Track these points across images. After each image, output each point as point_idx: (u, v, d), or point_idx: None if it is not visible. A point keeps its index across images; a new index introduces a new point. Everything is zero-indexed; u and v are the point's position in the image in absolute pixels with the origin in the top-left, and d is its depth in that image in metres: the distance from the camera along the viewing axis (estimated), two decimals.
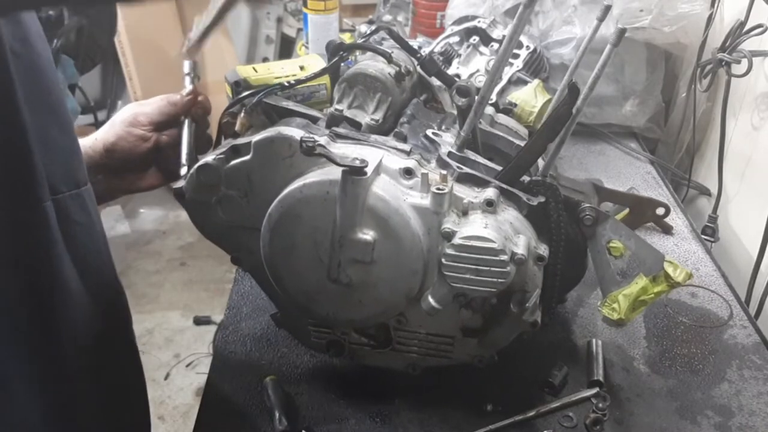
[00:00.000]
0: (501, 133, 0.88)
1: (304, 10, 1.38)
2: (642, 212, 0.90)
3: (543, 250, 0.74)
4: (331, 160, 0.70)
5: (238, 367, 0.96)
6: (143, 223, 3.14)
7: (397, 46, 0.94)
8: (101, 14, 2.29)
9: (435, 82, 0.94)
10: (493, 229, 0.69)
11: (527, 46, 1.24)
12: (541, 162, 0.83)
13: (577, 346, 0.99)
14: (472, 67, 1.18)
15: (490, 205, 0.72)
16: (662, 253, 0.76)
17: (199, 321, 2.52)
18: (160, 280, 2.77)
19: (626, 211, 0.90)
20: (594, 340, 0.96)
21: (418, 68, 0.94)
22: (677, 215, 1.31)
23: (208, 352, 2.30)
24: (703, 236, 1.31)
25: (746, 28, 1.30)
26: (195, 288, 2.74)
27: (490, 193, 0.73)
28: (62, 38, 2.02)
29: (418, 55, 0.94)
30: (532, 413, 0.86)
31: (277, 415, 0.84)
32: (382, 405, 0.89)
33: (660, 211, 0.93)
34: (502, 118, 0.95)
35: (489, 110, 0.95)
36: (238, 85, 0.87)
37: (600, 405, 0.87)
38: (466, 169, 0.76)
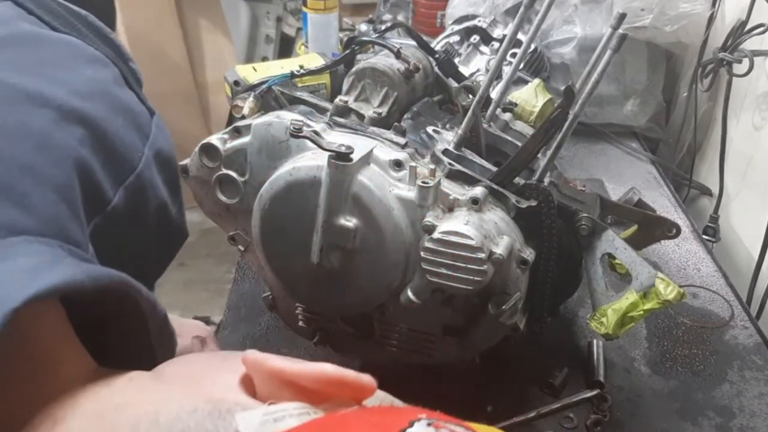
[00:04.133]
0: (510, 138, 0.88)
1: (304, 9, 1.38)
2: (651, 231, 0.88)
3: (528, 254, 0.73)
4: (317, 144, 0.71)
5: None
6: None
7: (415, 44, 0.94)
8: (101, 14, 2.29)
9: (453, 83, 0.94)
10: (474, 226, 0.69)
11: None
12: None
13: (577, 346, 0.99)
14: (472, 66, 1.18)
15: (475, 203, 0.72)
16: (655, 270, 0.75)
17: (199, 321, 2.52)
18: (159, 280, 2.76)
19: (634, 228, 0.89)
20: (595, 341, 0.96)
21: (436, 69, 0.94)
22: (678, 215, 1.31)
23: None
24: (704, 236, 1.31)
25: (747, 27, 1.30)
26: (194, 288, 2.73)
27: (477, 191, 0.73)
28: None
29: (437, 55, 0.94)
30: (532, 414, 0.86)
31: None
32: None
33: (671, 231, 0.90)
34: (518, 125, 0.95)
35: (506, 116, 0.95)
36: (237, 84, 0.88)
37: (601, 406, 0.87)
38: (458, 167, 0.76)
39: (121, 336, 0.44)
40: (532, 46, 1.24)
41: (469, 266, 0.69)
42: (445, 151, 0.78)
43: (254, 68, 0.92)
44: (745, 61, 1.28)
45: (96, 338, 0.43)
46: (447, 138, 0.81)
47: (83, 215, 0.42)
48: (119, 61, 0.50)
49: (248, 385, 0.39)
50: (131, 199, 0.46)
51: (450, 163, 0.76)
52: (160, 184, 0.50)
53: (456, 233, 0.69)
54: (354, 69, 0.88)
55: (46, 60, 0.44)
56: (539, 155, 0.77)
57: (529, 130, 0.95)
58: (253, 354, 0.38)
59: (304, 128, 0.72)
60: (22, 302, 0.33)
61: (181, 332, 0.85)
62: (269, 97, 0.85)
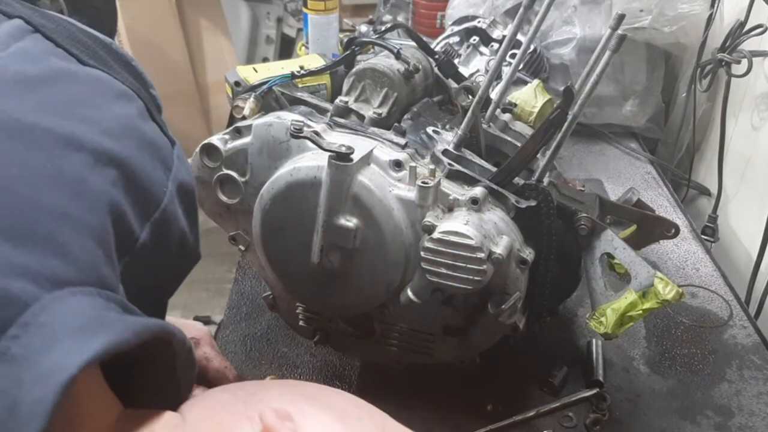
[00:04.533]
0: (510, 138, 0.89)
1: (304, 10, 1.38)
2: (650, 231, 0.88)
3: (527, 253, 0.74)
4: (318, 144, 0.71)
5: (238, 367, 0.95)
6: None
7: (415, 45, 0.94)
8: (101, 14, 2.29)
9: (452, 84, 0.94)
10: (473, 226, 0.69)
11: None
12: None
13: (577, 346, 0.99)
14: (472, 67, 1.18)
15: (474, 203, 0.72)
16: (654, 270, 0.75)
17: (199, 321, 2.52)
18: None
19: (633, 227, 0.89)
20: (594, 340, 0.96)
21: (436, 69, 0.95)
22: (677, 215, 1.31)
23: None
24: (703, 236, 1.31)
25: (746, 28, 1.30)
26: (195, 288, 2.73)
27: (476, 191, 0.73)
28: None
29: (436, 56, 0.94)
30: (532, 413, 0.86)
31: None
32: (382, 404, 0.88)
33: (670, 231, 0.90)
34: (518, 126, 0.95)
35: (505, 117, 0.95)
36: (238, 85, 0.88)
37: (600, 405, 0.87)
38: (457, 167, 0.76)
39: (151, 370, 0.45)
40: (532, 47, 1.24)
41: (468, 266, 0.69)
42: (445, 152, 0.78)
43: (255, 69, 0.92)
44: (744, 62, 1.28)
45: (122, 367, 0.44)
46: (447, 138, 0.81)
47: (115, 257, 0.43)
48: (142, 90, 0.51)
49: None
50: (156, 233, 0.47)
51: (450, 164, 0.76)
52: (181, 215, 0.51)
53: (456, 233, 0.69)
54: (354, 70, 0.88)
55: (77, 99, 0.45)
56: (538, 155, 0.78)
57: (528, 131, 0.95)
58: (270, 421, 0.39)
59: (305, 129, 0.72)
60: (77, 369, 0.33)
61: None
62: (270, 98, 0.85)
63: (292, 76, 0.88)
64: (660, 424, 0.87)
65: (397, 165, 0.74)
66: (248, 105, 0.83)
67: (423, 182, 0.72)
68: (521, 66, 1.17)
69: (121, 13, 2.60)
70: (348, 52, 0.94)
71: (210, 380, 0.84)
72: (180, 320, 0.92)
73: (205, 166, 0.81)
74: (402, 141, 0.77)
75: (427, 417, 0.87)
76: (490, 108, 0.91)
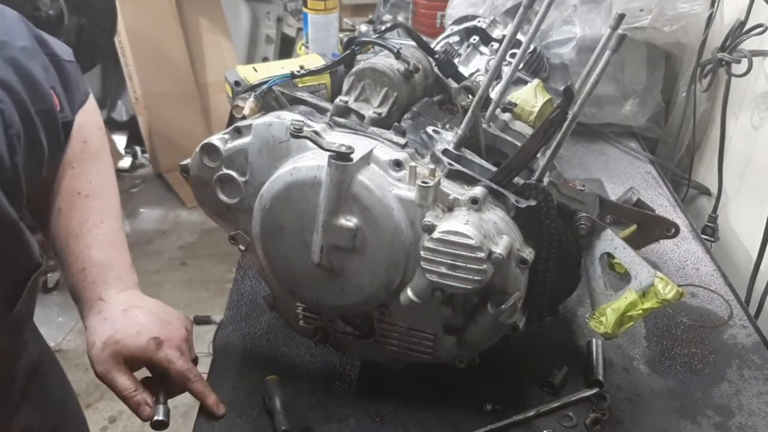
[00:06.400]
0: (509, 138, 0.89)
1: (304, 9, 1.38)
2: (650, 230, 0.88)
3: (527, 253, 0.74)
4: (318, 144, 0.71)
5: (238, 367, 0.96)
6: (143, 223, 3.14)
7: (415, 45, 0.94)
8: (101, 14, 2.29)
9: (452, 83, 0.94)
10: (473, 226, 0.69)
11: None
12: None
13: (577, 345, 0.99)
14: (472, 66, 1.18)
15: (474, 203, 0.72)
16: (654, 269, 0.75)
17: (199, 321, 2.51)
18: (160, 279, 2.77)
19: (633, 227, 0.89)
20: (594, 340, 0.96)
21: (436, 69, 0.95)
22: (677, 215, 1.31)
23: (208, 351, 2.29)
24: (703, 236, 1.31)
25: (746, 27, 1.30)
26: (195, 288, 2.74)
27: (476, 191, 0.73)
28: (62, 38, 2.02)
29: (436, 55, 0.94)
30: (532, 413, 0.86)
31: (277, 415, 0.84)
32: (382, 404, 0.89)
33: (669, 231, 0.90)
34: (518, 125, 0.95)
35: (505, 116, 0.95)
36: (238, 85, 0.88)
37: (600, 405, 0.87)
38: (457, 167, 0.76)
39: None
40: (532, 47, 1.24)
41: (468, 266, 0.69)
42: (445, 151, 0.78)
43: (255, 69, 0.92)
44: (744, 61, 1.28)
45: None
46: (447, 138, 0.81)
47: None
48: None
49: None
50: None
51: (450, 163, 0.77)
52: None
53: (456, 233, 0.69)
54: (354, 69, 0.88)
55: None
56: (538, 155, 0.78)
57: (528, 130, 0.95)
58: None
59: (305, 128, 0.72)
60: None
61: (142, 330, 0.84)
62: (270, 98, 0.85)
63: (292, 75, 0.88)
64: (660, 424, 0.87)
65: (397, 165, 0.74)
66: (248, 105, 0.83)
67: (423, 182, 0.72)
68: (521, 66, 1.17)
69: (121, 13, 2.60)
70: (348, 51, 0.94)
71: (172, 382, 0.85)
72: (166, 308, 0.89)
73: (205, 166, 0.81)
74: (402, 141, 0.77)
75: (427, 417, 0.87)
76: (490, 108, 0.91)
